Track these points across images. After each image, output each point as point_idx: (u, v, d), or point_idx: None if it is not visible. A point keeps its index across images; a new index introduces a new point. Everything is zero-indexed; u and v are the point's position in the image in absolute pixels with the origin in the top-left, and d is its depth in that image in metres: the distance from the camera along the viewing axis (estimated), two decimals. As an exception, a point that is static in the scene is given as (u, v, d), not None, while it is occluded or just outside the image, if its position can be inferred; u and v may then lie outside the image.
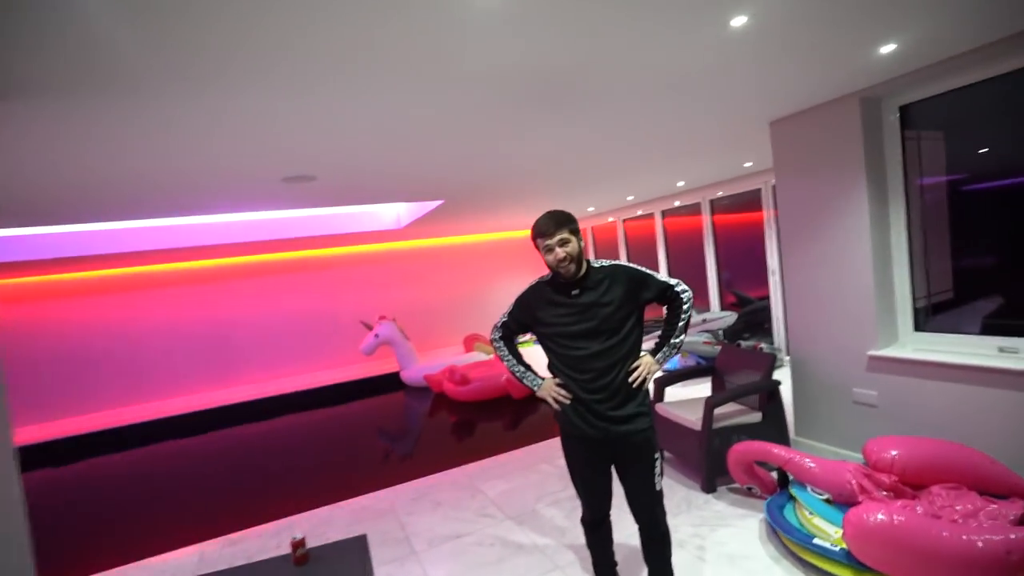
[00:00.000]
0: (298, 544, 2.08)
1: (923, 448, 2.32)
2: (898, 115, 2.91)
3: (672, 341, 1.92)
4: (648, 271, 1.93)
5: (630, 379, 1.84)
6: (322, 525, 3.32)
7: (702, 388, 4.41)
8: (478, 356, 7.51)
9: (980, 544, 1.77)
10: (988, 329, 2.75)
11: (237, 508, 3.88)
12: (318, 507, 3.60)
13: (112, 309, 7.31)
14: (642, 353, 1.92)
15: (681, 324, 1.91)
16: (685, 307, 1.91)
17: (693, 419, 3.15)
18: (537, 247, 1.88)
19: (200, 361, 7.76)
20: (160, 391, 7.52)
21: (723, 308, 6.68)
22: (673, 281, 1.93)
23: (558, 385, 1.92)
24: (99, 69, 1.60)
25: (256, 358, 8.11)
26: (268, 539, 3.20)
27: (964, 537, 1.80)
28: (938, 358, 2.67)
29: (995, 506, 2.04)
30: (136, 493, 4.69)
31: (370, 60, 1.80)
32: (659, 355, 1.91)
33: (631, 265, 1.93)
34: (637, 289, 1.88)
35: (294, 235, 6.43)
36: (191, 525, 3.64)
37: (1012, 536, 1.76)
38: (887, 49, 2.23)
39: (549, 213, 1.87)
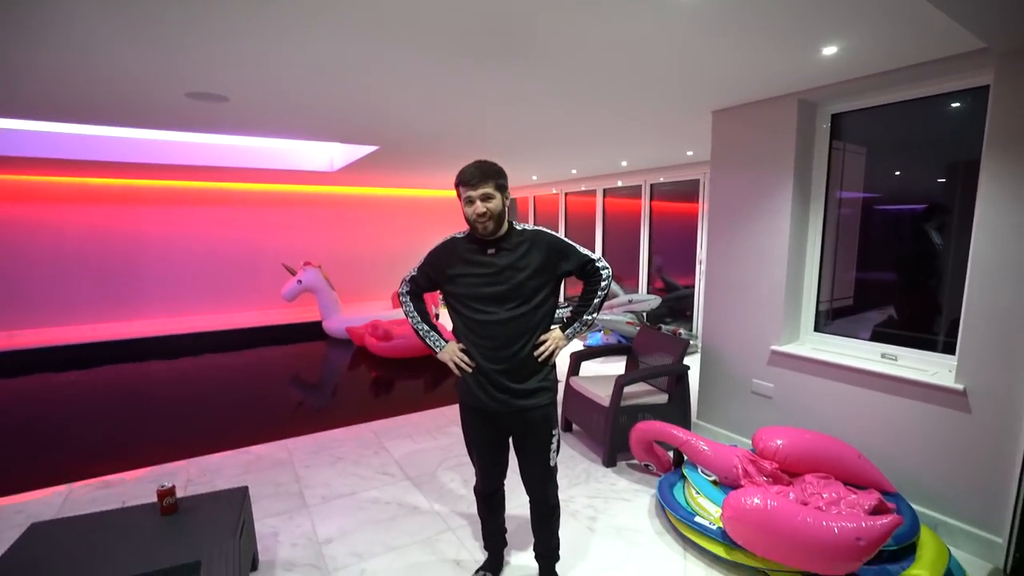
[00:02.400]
0: (165, 493, 1.93)
1: (804, 440, 2.47)
2: (829, 124, 3.00)
3: (584, 317, 1.88)
4: (570, 242, 1.86)
5: (536, 352, 1.80)
6: (211, 473, 3.14)
7: (618, 366, 4.53)
8: (405, 314, 7.35)
9: (836, 530, 1.91)
10: (877, 336, 2.96)
11: (122, 449, 3.60)
12: (212, 453, 3.41)
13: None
14: (552, 327, 1.87)
15: (597, 301, 1.87)
16: (603, 284, 1.87)
17: (603, 395, 3.21)
18: (458, 196, 1.76)
19: (97, 289, 7.07)
20: (45, 318, 6.80)
21: (650, 292, 6.87)
22: (595, 256, 1.88)
23: (461, 351, 1.84)
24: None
25: (165, 292, 7.51)
26: (148, 484, 2.99)
27: (823, 523, 1.94)
28: (829, 358, 2.84)
29: (855, 496, 2.21)
30: (11, 426, 4.23)
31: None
32: (569, 330, 1.87)
33: (554, 234, 1.86)
34: (556, 259, 1.82)
35: (216, 163, 5.88)
36: (67, 464, 3.33)
37: (863, 524, 1.92)
38: (829, 51, 2.25)
39: (478, 162, 1.74)
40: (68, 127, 5.01)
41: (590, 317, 1.88)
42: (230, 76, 2.59)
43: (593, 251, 1.92)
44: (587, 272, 1.88)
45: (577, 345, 5.81)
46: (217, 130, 3.98)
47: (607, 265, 1.89)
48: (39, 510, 2.72)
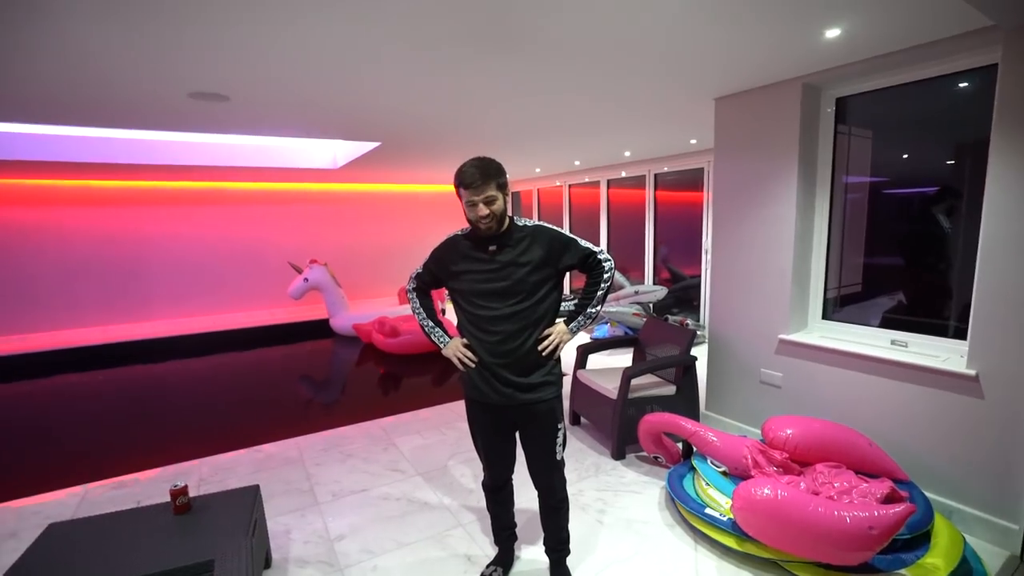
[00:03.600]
0: (178, 492, 1.94)
1: (814, 428, 2.46)
2: (834, 108, 2.95)
3: (588, 311, 1.87)
4: (572, 235, 1.85)
5: (540, 347, 1.79)
6: (222, 472, 3.17)
7: (625, 358, 4.52)
8: (412, 310, 7.37)
9: (848, 520, 1.90)
10: (886, 323, 2.93)
11: (135, 449, 3.65)
12: (223, 452, 3.44)
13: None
14: (556, 321, 1.86)
15: (600, 293, 1.86)
16: (606, 276, 1.86)
17: (610, 388, 3.21)
18: (458, 195, 1.75)
19: (105, 291, 7.15)
20: (55, 320, 6.87)
21: (657, 282, 6.84)
22: (597, 248, 1.87)
23: (465, 346, 1.84)
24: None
25: (172, 293, 7.57)
26: (161, 484, 3.02)
27: (836, 513, 1.93)
28: (838, 346, 2.81)
29: (867, 485, 2.19)
30: (26, 429, 4.30)
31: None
32: (573, 324, 1.86)
33: (555, 228, 1.85)
34: (558, 253, 1.81)
35: (220, 163, 5.90)
36: (82, 465, 3.38)
37: (876, 513, 1.90)
38: (832, 34, 2.21)
39: (477, 161, 1.71)
40: (69, 130, 5.03)
41: (594, 310, 1.87)
42: (230, 75, 2.59)
43: (596, 243, 1.91)
44: (589, 265, 1.87)
45: (584, 337, 5.80)
46: (220, 130, 3.99)
47: (609, 257, 1.88)
48: (56, 511, 2.76)
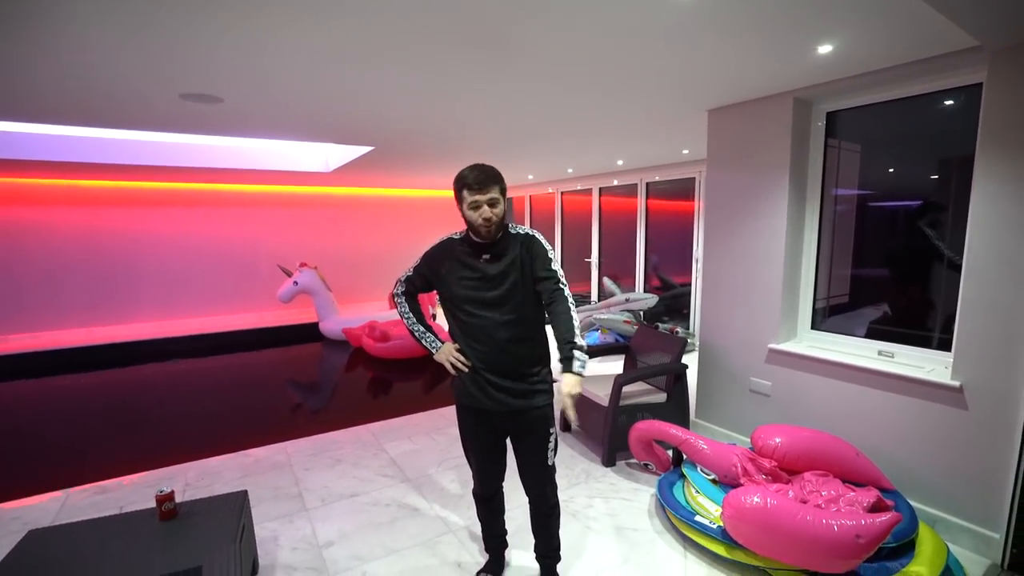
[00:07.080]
0: (164, 498, 1.91)
1: (802, 437, 2.48)
2: (824, 122, 3.01)
3: (578, 343, 1.71)
4: (552, 255, 1.80)
5: (566, 416, 1.71)
6: (209, 476, 3.13)
7: (616, 365, 4.53)
8: (402, 314, 7.34)
9: (836, 528, 1.92)
10: (872, 333, 2.97)
11: (119, 453, 3.58)
12: (210, 456, 3.39)
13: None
14: (555, 378, 1.80)
15: (576, 325, 1.72)
16: (570, 303, 1.74)
17: (602, 395, 3.22)
18: (459, 199, 1.74)
19: (91, 292, 7.03)
20: (37, 322, 6.74)
21: (647, 290, 6.88)
22: (561, 273, 1.78)
23: (457, 351, 1.83)
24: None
25: (160, 295, 7.46)
26: (145, 489, 2.98)
27: (823, 521, 1.95)
28: (827, 356, 2.85)
29: (853, 493, 2.22)
30: (5, 432, 4.21)
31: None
32: (576, 366, 1.70)
33: (542, 240, 1.82)
34: (540, 261, 1.76)
35: (211, 165, 5.85)
36: (64, 468, 3.33)
37: (863, 522, 1.92)
38: (824, 50, 2.25)
39: (479, 166, 1.72)
40: (58, 129, 4.97)
41: (583, 343, 1.73)
42: (224, 77, 2.57)
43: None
44: (549, 289, 1.74)
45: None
46: (212, 131, 3.96)
47: (566, 284, 1.78)
48: (36, 516, 2.70)
